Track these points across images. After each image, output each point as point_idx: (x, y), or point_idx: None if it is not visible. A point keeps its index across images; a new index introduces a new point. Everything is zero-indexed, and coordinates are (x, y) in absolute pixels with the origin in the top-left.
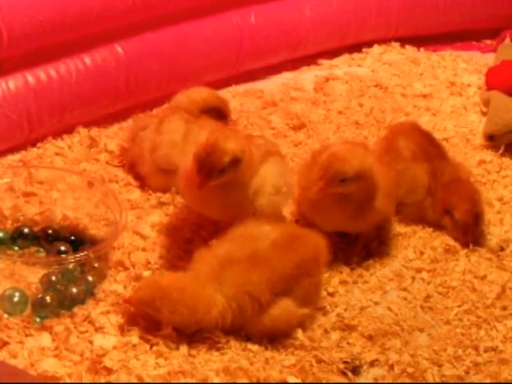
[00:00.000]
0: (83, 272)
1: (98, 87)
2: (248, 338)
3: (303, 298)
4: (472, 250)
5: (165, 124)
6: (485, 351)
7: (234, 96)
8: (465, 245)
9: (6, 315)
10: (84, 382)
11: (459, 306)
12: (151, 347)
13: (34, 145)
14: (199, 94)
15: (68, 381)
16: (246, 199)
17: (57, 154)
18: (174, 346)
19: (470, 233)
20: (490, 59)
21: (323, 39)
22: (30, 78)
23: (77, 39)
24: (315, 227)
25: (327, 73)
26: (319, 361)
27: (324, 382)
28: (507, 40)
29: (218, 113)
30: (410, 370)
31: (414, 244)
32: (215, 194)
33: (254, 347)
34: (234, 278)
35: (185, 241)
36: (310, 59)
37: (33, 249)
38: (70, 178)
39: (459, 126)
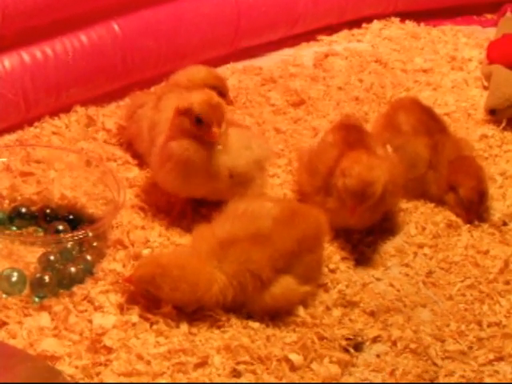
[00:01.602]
0: (82, 251)
1: (94, 65)
2: (249, 315)
3: (304, 274)
4: (474, 225)
5: (163, 101)
6: (488, 326)
7: (232, 73)
8: (468, 222)
9: (4, 295)
10: (84, 361)
11: (462, 282)
12: (151, 326)
13: (30, 124)
14: (197, 73)
15: (67, 360)
16: (222, 166)
17: (54, 133)
18: (174, 324)
19: (474, 210)
20: (490, 33)
21: (322, 15)
22: (26, 57)
23: (73, 17)
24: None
25: (327, 49)
26: (321, 338)
27: (326, 358)
28: (508, 14)
29: (217, 92)
30: (412, 345)
31: (416, 219)
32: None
33: (255, 325)
34: (235, 255)
35: (184, 218)
36: (310, 35)
37: (31, 228)
38: (67, 157)
39: (460, 100)
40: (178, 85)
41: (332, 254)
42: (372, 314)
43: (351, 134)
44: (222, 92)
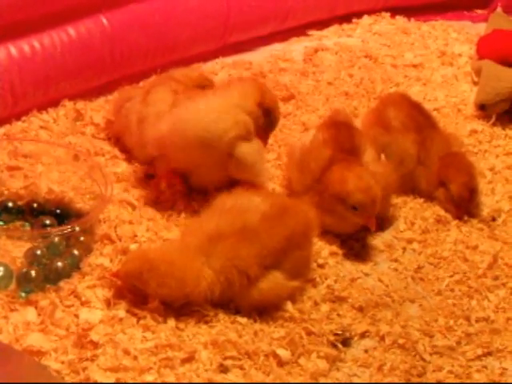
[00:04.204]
0: (69, 246)
1: (82, 59)
2: (237, 310)
3: (293, 270)
4: (463, 221)
5: (151, 95)
6: (476, 321)
7: (222, 68)
8: (457, 218)
9: None
10: (70, 356)
11: (451, 277)
12: (138, 321)
13: (18, 118)
14: (191, 72)
15: (54, 355)
16: None
17: (42, 127)
18: (161, 319)
19: (464, 206)
20: (481, 29)
21: (312, 10)
22: (14, 51)
23: (61, 10)
24: None
25: (317, 44)
26: (309, 333)
27: (314, 354)
28: (498, 9)
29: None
30: (401, 341)
31: (405, 215)
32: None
33: (243, 320)
34: (223, 251)
35: (172, 213)
36: (300, 30)
37: (17, 223)
38: (55, 151)
39: (450, 95)
40: (171, 78)
41: (321, 248)
42: (360, 309)
43: (341, 133)
44: None
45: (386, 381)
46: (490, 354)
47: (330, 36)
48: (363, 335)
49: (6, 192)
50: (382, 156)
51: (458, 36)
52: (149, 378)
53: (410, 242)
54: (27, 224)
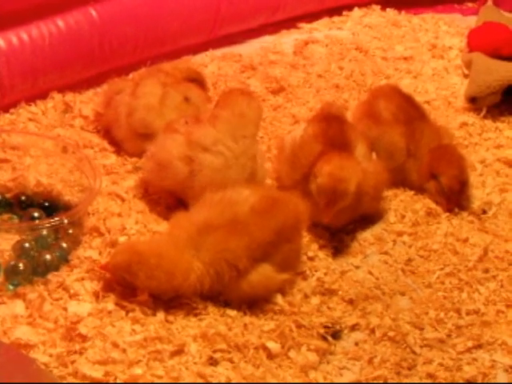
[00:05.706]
0: (57, 238)
1: (71, 51)
2: (226, 303)
3: (283, 263)
4: (454, 213)
5: (140, 87)
6: (467, 314)
7: (211, 60)
8: (448, 211)
9: None
10: (58, 349)
11: (441, 269)
12: (127, 313)
13: (6, 110)
14: (180, 64)
15: (42, 348)
16: None
17: (30, 119)
18: (150, 312)
19: (454, 199)
20: (471, 22)
21: (302, 2)
22: (1, 42)
23: (50, 1)
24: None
25: (307, 36)
26: (299, 326)
27: (304, 346)
28: (489, 2)
29: (197, 84)
30: (391, 333)
31: (395, 207)
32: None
33: (233, 313)
34: (212, 244)
35: (161, 205)
36: (290, 23)
37: (6, 216)
38: (43, 143)
39: (441, 88)
40: (160, 70)
41: (311, 241)
42: (350, 301)
43: (332, 127)
44: (202, 85)
45: (376, 373)
46: (480, 346)
47: (321, 28)
48: (353, 328)
49: None
50: (374, 154)
51: (449, 29)
52: (138, 370)
53: (400, 234)
54: (15, 216)
